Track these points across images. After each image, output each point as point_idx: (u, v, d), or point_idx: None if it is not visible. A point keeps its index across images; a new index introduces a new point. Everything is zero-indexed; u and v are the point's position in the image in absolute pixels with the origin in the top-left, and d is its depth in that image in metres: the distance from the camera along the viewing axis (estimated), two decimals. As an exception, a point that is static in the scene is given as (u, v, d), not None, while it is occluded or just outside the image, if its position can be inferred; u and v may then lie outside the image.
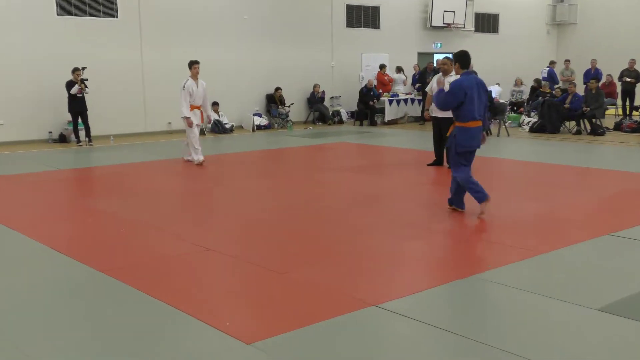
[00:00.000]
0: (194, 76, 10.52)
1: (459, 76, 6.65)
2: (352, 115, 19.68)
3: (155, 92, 16.20)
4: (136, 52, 15.88)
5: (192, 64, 10.54)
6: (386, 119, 18.49)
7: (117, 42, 15.54)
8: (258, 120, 17.59)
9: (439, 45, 22.63)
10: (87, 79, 14.10)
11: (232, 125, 17.07)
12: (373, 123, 18.47)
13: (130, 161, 11.67)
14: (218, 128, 16.59)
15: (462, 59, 6.64)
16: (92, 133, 14.50)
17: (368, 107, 18.39)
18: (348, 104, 20.03)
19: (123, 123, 15.78)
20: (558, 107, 15.89)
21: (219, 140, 15.69)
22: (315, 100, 19.06)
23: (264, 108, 18.46)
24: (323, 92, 19.27)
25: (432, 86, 10.30)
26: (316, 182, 9.28)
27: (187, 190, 8.72)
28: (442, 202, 7.69)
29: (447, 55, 13.67)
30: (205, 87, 10.69)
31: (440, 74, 10.43)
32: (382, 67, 19.75)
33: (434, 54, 22.39)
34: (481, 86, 6.58)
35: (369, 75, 20.16)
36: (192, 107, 10.49)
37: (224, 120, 17.00)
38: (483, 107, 6.62)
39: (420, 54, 22.16)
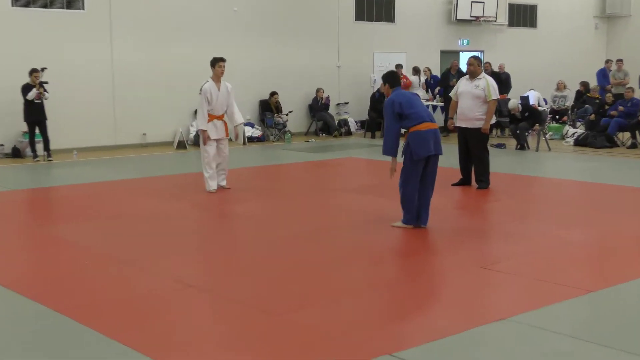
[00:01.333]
0: (217, 78, 9.73)
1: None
2: (362, 125, 19.72)
3: (127, 98, 16.29)
4: (106, 50, 15.99)
5: (216, 62, 9.73)
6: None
7: (83, 39, 15.65)
8: (250, 131, 17.64)
9: (465, 42, 22.75)
10: (47, 82, 14.17)
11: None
12: (387, 135, 18.47)
13: (97, 180, 11.70)
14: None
15: (390, 79, 7.67)
16: (52, 146, 14.56)
17: (381, 115, 18.34)
18: (357, 111, 20.09)
19: (89, 135, 15.85)
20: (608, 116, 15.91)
21: (203, 154, 15.70)
22: (318, 108, 19.13)
23: (257, 117, 18.52)
24: (327, 97, 19.35)
25: (458, 90, 10.33)
26: (319, 205, 9.28)
27: (164, 214, 8.70)
28: (473, 229, 7.64)
29: (475, 54, 13.69)
30: (230, 91, 9.89)
31: (467, 76, 10.46)
32: (398, 67, 19.88)
33: (460, 53, 22.52)
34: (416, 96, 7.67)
35: (383, 77, 20.23)
36: (212, 117, 9.71)
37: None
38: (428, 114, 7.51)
39: (443, 53, 22.28)
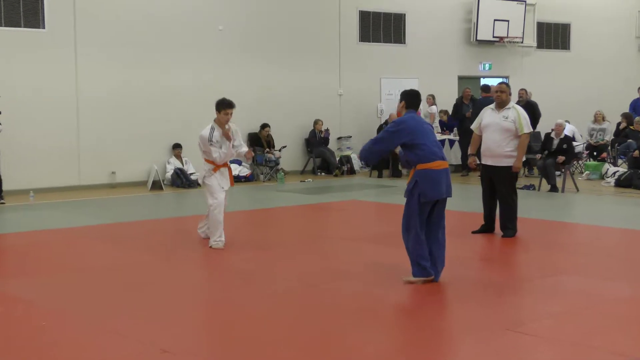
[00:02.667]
0: (221, 125, 9.62)
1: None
2: (368, 163, 19.74)
3: (94, 130, 16.38)
4: (69, 75, 16.15)
5: (222, 108, 9.59)
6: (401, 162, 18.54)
7: (44, 62, 15.80)
8: (237, 170, 17.69)
9: (487, 66, 22.99)
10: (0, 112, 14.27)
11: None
12: (396, 174, 18.56)
13: (57, 226, 11.69)
14: (180, 180, 16.71)
15: (410, 97, 7.83)
16: (5, 187, 14.61)
17: (390, 152, 18.39)
18: (361, 147, 20.08)
19: (48, 173, 15.92)
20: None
21: (182, 196, 15.73)
22: (316, 142, 19.22)
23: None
24: (327, 130, 19.45)
25: (482, 122, 10.36)
26: (318, 256, 9.27)
27: (135, 267, 8.69)
28: (497, 284, 7.65)
29: (503, 80, 13.81)
30: (236, 132, 9.90)
31: (492, 105, 10.50)
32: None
33: (481, 79, 22.74)
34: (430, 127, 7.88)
35: (391, 107, 20.42)
36: (217, 168, 9.73)
37: (189, 169, 17.12)
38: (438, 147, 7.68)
39: (462, 79, 22.51)
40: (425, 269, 7.59)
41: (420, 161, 7.55)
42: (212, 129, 9.62)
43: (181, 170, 16.92)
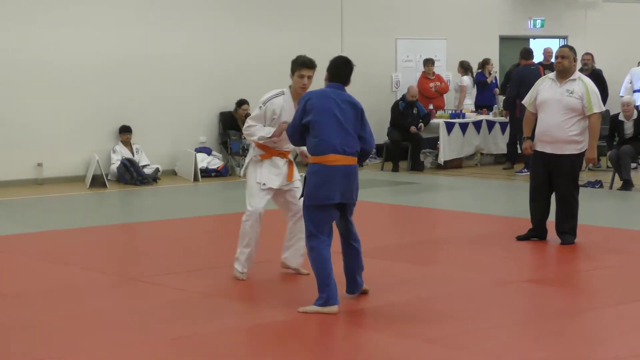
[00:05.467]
0: (297, 94, 8.90)
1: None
2: (379, 151, 19.72)
3: (12, 109, 16.27)
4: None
5: (298, 68, 9.01)
6: (442, 160, 18.55)
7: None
8: (205, 161, 17.62)
9: (539, 23, 23.00)
10: None
11: (157, 170, 17.11)
12: (417, 166, 18.57)
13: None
14: (130, 174, 16.62)
15: (334, 67, 8.15)
16: None
17: (408, 137, 18.53)
18: (372, 131, 20.06)
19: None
20: None
21: (132, 195, 15.68)
22: (310, 124, 19.13)
23: (215, 138, 18.51)
24: (326, 109, 19.38)
25: (538, 97, 10.35)
26: (308, 277, 9.14)
27: (75, 292, 8.66)
28: (561, 314, 7.65)
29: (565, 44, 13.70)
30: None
31: (552, 74, 10.49)
32: (428, 63, 20.04)
33: (529, 40, 22.72)
34: (348, 104, 8.03)
35: (411, 78, 20.37)
36: (271, 152, 8.98)
37: (142, 159, 17.05)
38: (352, 139, 7.89)
39: (504, 40, 22.49)
40: (322, 295, 7.65)
41: (312, 152, 7.81)
42: (282, 94, 8.97)
43: (130, 161, 16.83)
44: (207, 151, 17.93)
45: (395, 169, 18.51)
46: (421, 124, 18.53)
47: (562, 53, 10.26)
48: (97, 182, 16.27)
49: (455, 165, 18.85)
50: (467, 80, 20.31)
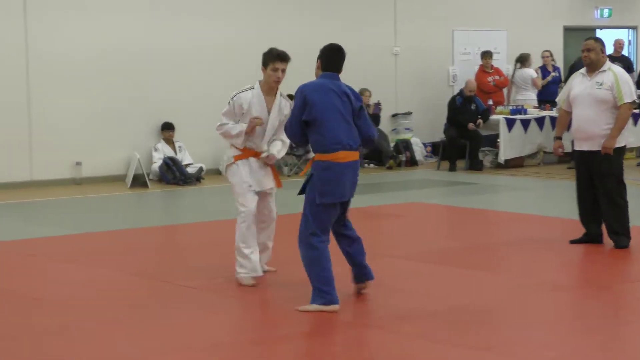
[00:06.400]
0: (269, 88, 9.04)
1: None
2: (435, 150, 19.65)
3: (51, 105, 16.42)
4: (15, 27, 16.17)
5: (270, 61, 8.95)
6: (502, 158, 18.41)
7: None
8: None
9: (606, 13, 22.79)
10: None
11: (201, 170, 17.14)
12: (476, 166, 18.47)
13: (1, 238, 11.66)
14: (172, 174, 16.67)
15: (327, 54, 8.29)
16: None
17: (466, 134, 18.44)
18: (426, 128, 20.12)
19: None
20: None
21: (175, 196, 15.73)
22: (362, 121, 19.11)
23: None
24: (378, 105, 19.35)
25: (571, 93, 10.43)
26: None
27: (111, 297, 8.69)
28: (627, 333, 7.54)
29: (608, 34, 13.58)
30: (285, 111, 9.15)
31: (583, 69, 10.52)
32: (486, 56, 19.97)
33: (595, 30, 22.52)
34: (346, 96, 8.09)
35: (468, 71, 20.32)
36: (247, 153, 9.07)
37: (185, 158, 17.09)
38: (355, 132, 8.02)
39: (569, 31, 22.33)
40: (326, 294, 7.84)
41: (317, 150, 7.96)
42: (251, 89, 8.97)
43: (173, 160, 16.90)
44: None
45: (452, 168, 18.44)
46: (480, 121, 18.43)
47: (588, 46, 10.29)
48: (138, 181, 16.33)
49: (517, 165, 18.73)
50: (522, 74, 20.16)
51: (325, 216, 7.89)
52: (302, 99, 7.94)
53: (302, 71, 18.54)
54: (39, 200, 15.01)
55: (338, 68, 8.27)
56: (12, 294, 8.78)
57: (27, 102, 16.25)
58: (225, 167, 9.21)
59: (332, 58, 8.26)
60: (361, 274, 8.30)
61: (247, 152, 8.99)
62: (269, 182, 9.18)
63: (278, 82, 8.89)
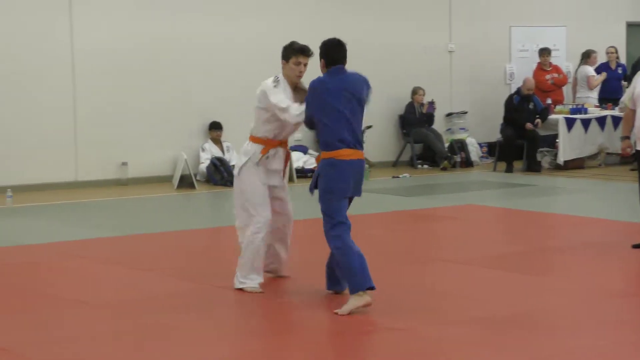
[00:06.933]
0: (291, 82, 8.96)
1: None
2: (491, 150, 19.56)
3: (97, 104, 16.53)
4: (60, 25, 16.29)
5: (292, 55, 8.97)
6: (561, 159, 18.29)
7: (24, 8, 15.96)
8: (301, 160, 17.65)
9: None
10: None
11: (248, 169, 17.18)
12: (534, 167, 18.37)
13: (44, 240, 11.77)
14: (221, 175, 16.70)
15: (328, 50, 8.35)
16: (-27, 183, 14.86)
17: (524, 134, 18.31)
18: (482, 128, 20.07)
19: (33, 164, 16.11)
20: None
21: (223, 197, 15.75)
22: (415, 121, 19.15)
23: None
24: (432, 103, 19.29)
25: (635, 92, 10.42)
26: (416, 287, 9.19)
27: (158, 302, 8.72)
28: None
29: None
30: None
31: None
32: (544, 53, 19.81)
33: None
34: (357, 90, 8.40)
35: (526, 69, 20.19)
36: (271, 144, 8.96)
37: (233, 158, 17.10)
38: (360, 132, 8.39)
39: (631, 26, 22.19)
40: (357, 286, 8.05)
41: (323, 148, 8.28)
42: (278, 81, 8.86)
43: (221, 160, 16.95)
44: (303, 150, 17.96)
45: (509, 169, 18.35)
46: (538, 120, 18.32)
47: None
48: (185, 182, 16.37)
49: (576, 166, 18.62)
50: (590, 70, 20.02)
51: (337, 205, 8.21)
52: (313, 96, 8.22)
53: (355, 70, 18.63)
54: (84, 201, 15.11)
55: (343, 61, 8.41)
56: (58, 297, 8.87)
57: (72, 101, 16.36)
58: (242, 167, 8.98)
59: (335, 53, 8.37)
60: (334, 282, 8.64)
61: (271, 143, 8.93)
62: (281, 175, 9.21)
63: (300, 76, 8.85)
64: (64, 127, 16.28)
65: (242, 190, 8.92)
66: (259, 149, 8.87)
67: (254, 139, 8.94)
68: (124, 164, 16.75)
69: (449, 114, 19.92)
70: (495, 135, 19.09)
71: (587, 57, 19.95)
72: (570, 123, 18.38)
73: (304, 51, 8.86)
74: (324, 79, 8.28)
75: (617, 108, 18.99)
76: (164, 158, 17.03)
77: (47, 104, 16.10)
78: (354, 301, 7.95)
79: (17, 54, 15.84)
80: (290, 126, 8.86)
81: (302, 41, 17.87)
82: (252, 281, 8.83)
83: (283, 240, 9.28)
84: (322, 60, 8.32)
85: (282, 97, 8.62)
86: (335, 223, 8.15)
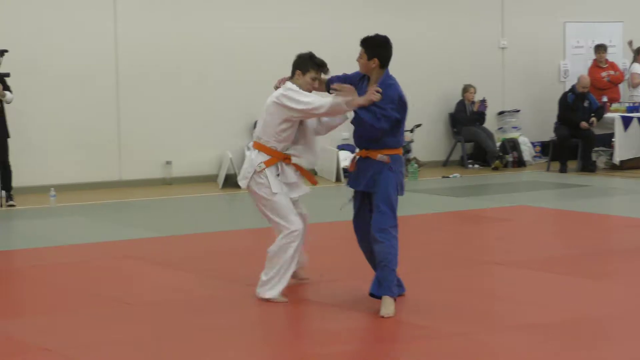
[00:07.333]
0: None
1: None
2: (544, 150, 19.45)
3: (140, 103, 16.62)
4: (105, 22, 16.39)
5: (309, 68, 8.83)
6: (617, 159, 18.15)
7: (69, 7, 16.07)
8: (348, 159, 17.61)
9: None
10: (8, 75, 14.62)
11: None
12: (589, 167, 18.26)
13: (87, 240, 11.84)
14: (265, 175, 16.71)
15: (382, 50, 8.30)
16: (16, 183, 14.95)
17: (578, 133, 18.19)
18: (535, 126, 20.00)
19: (76, 164, 16.22)
20: None
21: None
22: (466, 119, 19.12)
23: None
24: (483, 102, 19.20)
25: None
26: (468, 291, 9.14)
27: (202, 303, 8.72)
28: None
29: None
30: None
31: None
32: (599, 50, 19.66)
33: None
34: None
35: (580, 66, 20.09)
36: (277, 157, 8.84)
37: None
38: None
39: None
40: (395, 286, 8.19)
41: (393, 145, 8.30)
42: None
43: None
44: (351, 149, 17.90)
45: (563, 169, 18.25)
46: (593, 119, 18.20)
47: None
48: (230, 181, 16.31)
49: (633, 166, 18.44)
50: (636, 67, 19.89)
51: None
52: (399, 98, 8.17)
53: (404, 68, 18.60)
54: (127, 200, 15.20)
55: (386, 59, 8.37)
56: (101, 298, 8.90)
57: (115, 100, 16.46)
58: (255, 178, 8.73)
59: (390, 54, 8.34)
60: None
61: (277, 155, 8.76)
62: (302, 187, 9.05)
63: (311, 92, 8.71)
64: (107, 126, 16.37)
65: (266, 202, 8.75)
66: (264, 159, 8.73)
67: (264, 148, 8.81)
68: (168, 163, 16.81)
69: (500, 113, 19.84)
70: (549, 134, 19.00)
71: (638, 54, 19.80)
72: (626, 122, 18.25)
73: (323, 67, 8.77)
74: (396, 82, 8.33)
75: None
76: (208, 157, 17.07)
77: (90, 103, 16.18)
78: (393, 303, 8.01)
79: (61, 53, 15.95)
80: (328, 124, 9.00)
81: (350, 41, 17.98)
82: (277, 291, 8.60)
83: (303, 243, 9.02)
84: (374, 58, 8.23)
85: (305, 94, 8.57)
86: (396, 222, 8.16)
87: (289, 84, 8.73)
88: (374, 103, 7.95)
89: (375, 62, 8.21)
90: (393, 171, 8.14)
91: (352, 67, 9.25)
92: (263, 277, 8.64)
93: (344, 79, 8.52)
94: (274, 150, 8.70)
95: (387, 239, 8.01)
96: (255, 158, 8.75)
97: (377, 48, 8.26)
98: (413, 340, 7.50)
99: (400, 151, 8.33)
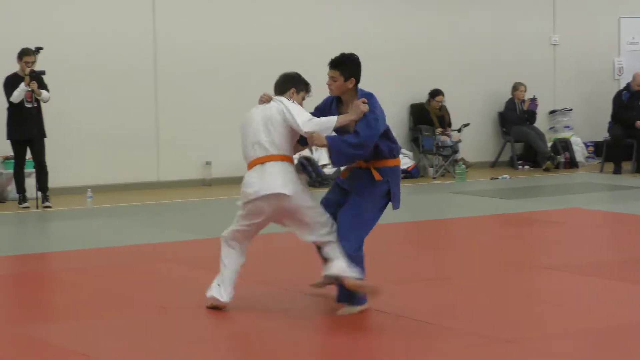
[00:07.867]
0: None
1: None
2: (597, 150, 19.34)
3: (179, 104, 16.68)
4: (144, 16, 16.52)
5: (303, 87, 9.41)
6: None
7: (108, 5, 16.20)
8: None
9: None
10: (43, 72, 14.68)
11: (339, 171, 17.10)
12: (644, 168, 18.16)
13: (125, 242, 11.89)
14: (309, 175, 16.68)
15: (357, 69, 8.53)
16: (52, 184, 15.04)
17: (634, 133, 18.07)
18: (588, 126, 19.89)
19: (114, 164, 16.32)
20: None
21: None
22: (516, 119, 19.03)
23: (405, 134, 18.48)
24: (534, 100, 19.12)
25: None
26: (519, 296, 9.09)
27: (250, 306, 8.72)
28: None
29: None
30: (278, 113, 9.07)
31: None
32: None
33: None
34: None
35: (637, 63, 20.03)
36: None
37: (321, 158, 17.09)
38: None
39: None
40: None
41: (389, 156, 8.48)
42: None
43: (309, 160, 16.95)
44: (398, 149, 17.92)
45: (617, 170, 18.18)
46: (651, 120, 18.11)
47: None
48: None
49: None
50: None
51: None
52: (381, 110, 8.38)
53: (451, 66, 18.57)
54: (166, 202, 15.25)
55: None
56: (139, 302, 8.95)
57: (154, 100, 16.55)
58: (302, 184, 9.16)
59: (360, 72, 8.58)
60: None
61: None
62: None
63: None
64: (145, 126, 16.48)
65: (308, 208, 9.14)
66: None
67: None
68: (208, 163, 16.86)
69: (552, 112, 19.80)
70: (603, 134, 18.95)
71: None
72: (685, 122, 18.14)
73: (310, 90, 9.22)
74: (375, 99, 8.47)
75: None
76: (249, 157, 17.06)
77: (128, 104, 16.31)
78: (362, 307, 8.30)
79: (99, 52, 16.06)
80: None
81: (392, 36, 18.07)
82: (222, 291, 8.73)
83: None
84: (351, 78, 8.46)
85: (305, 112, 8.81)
86: (362, 241, 8.42)
87: (289, 102, 8.98)
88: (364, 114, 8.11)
89: (352, 82, 8.42)
90: (387, 184, 8.38)
91: (369, 69, 9.40)
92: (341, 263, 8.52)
93: (319, 112, 8.75)
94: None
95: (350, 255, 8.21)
96: (288, 168, 9.09)
97: (354, 68, 8.49)
98: (465, 349, 7.46)
99: (398, 161, 8.54)
